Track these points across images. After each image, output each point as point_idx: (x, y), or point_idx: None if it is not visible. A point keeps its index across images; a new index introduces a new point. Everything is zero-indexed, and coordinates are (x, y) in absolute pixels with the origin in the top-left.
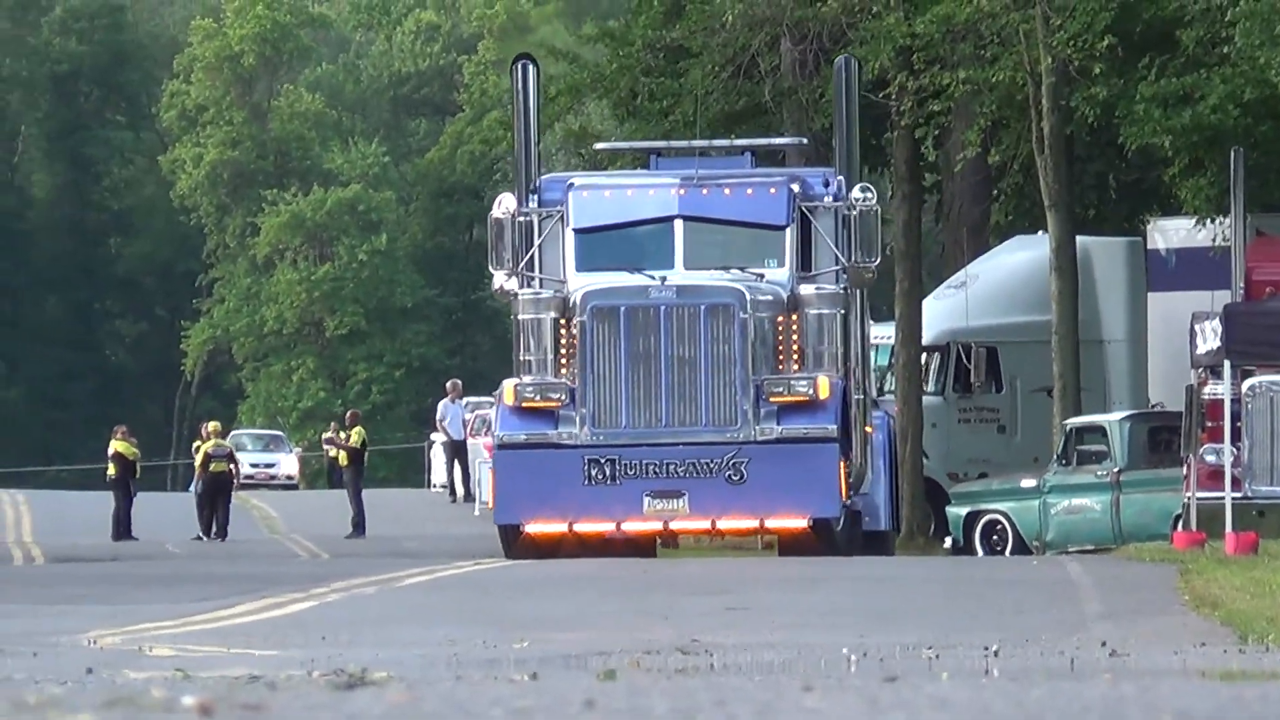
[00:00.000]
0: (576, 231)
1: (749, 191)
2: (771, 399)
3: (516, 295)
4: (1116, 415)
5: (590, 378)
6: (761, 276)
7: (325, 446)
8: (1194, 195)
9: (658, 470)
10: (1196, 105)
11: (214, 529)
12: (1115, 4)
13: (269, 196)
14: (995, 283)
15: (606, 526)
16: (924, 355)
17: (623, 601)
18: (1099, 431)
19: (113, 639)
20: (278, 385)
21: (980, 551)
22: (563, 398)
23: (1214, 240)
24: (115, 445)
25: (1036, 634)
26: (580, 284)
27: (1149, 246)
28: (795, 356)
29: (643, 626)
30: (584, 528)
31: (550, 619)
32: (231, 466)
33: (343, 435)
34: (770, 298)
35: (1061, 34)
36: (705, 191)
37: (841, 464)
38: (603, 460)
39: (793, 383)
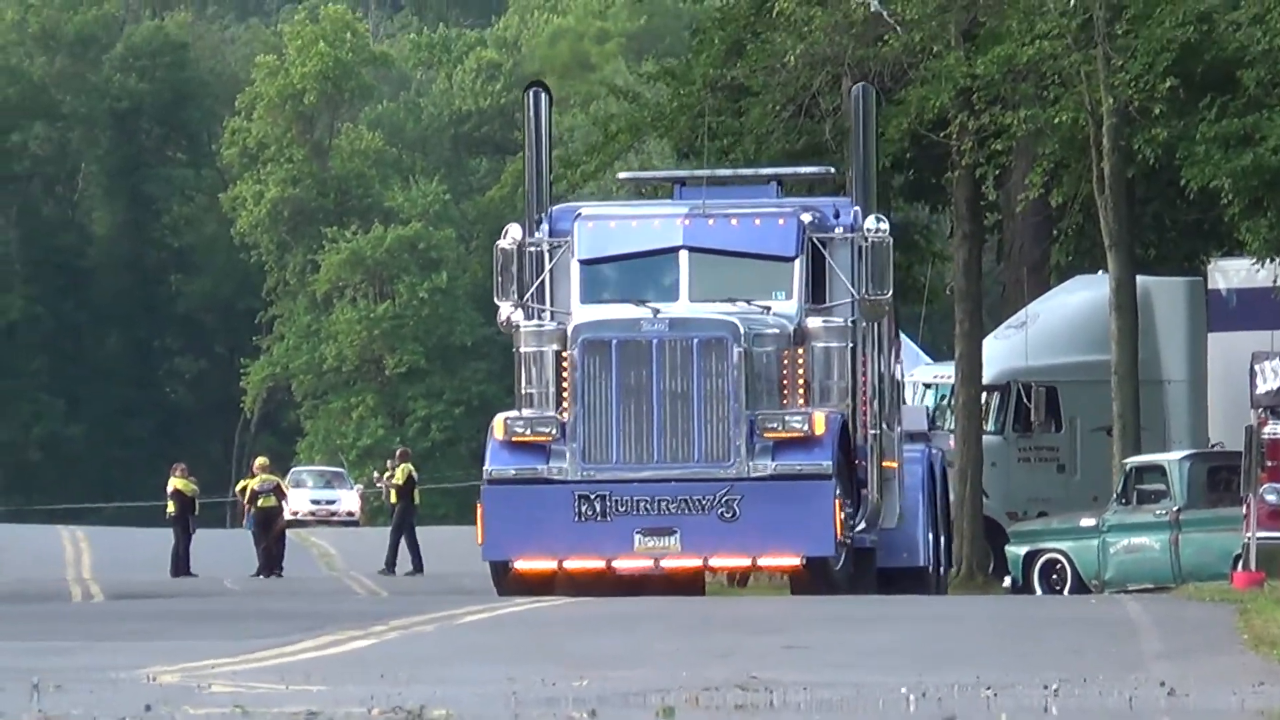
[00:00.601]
0: (581, 262)
1: (757, 222)
2: (766, 434)
3: (518, 327)
4: (1176, 455)
5: (581, 412)
6: (768, 309)
7: (378, 485)
8: (1254, 236)
9: (649, 507)
10: (1257, 146)
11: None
12: (1177, 45)
13: (329, 234)
14: (1055, 322)
15: (596, 564)
16: (984, 394)
17: (681, 639)
18: (1158, 471)
19: (171, 675)
20: (337, 423)
21: (1039, 590)
22: (553, 432)
23: (1275, 280)
24: (174, 482)
25: (1095, 673)
26: (582, 316)
27: (1209, 286)
28: (801, 390)
29: (701, 664)
30: (574, 565)
31: (609, 657)
32: (280, 501)
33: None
34: (776, 331)
35: (1123, 74)
36: (711, 222)
37: (837, 502)
38: (593, 496)
39: (787, 418)
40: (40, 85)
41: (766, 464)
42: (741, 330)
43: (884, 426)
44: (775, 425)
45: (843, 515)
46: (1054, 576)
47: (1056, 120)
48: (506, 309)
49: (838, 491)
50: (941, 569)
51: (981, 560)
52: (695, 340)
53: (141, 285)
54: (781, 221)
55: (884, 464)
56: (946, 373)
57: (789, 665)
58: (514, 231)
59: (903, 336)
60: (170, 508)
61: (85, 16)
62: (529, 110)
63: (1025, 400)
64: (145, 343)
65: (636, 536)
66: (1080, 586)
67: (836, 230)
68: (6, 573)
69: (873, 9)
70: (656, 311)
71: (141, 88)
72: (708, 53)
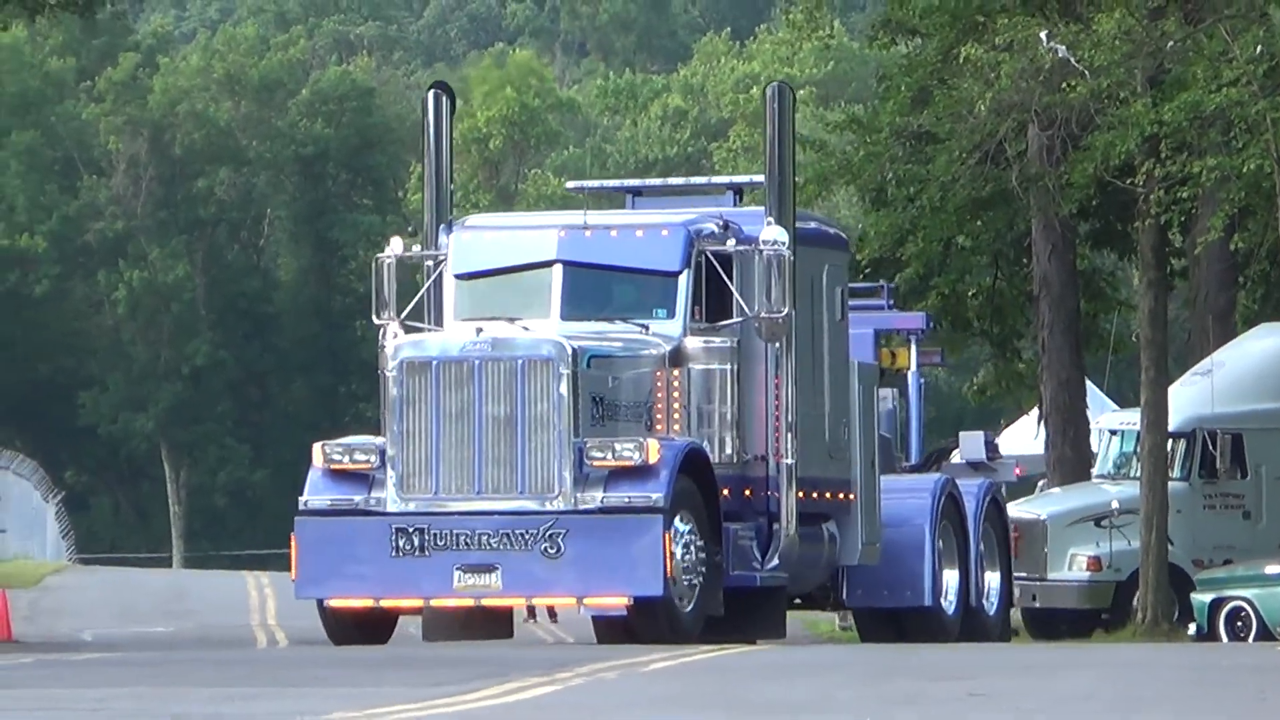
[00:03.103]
0: (456, 277)
1: (639, 234)
2: (596, 464)
3: (382, 348)
4: None
5: (400, 438)
6: (646, 328)
7: None
8: None
9: (469, 542)
10: None
11: None
12: None
13: None
14: (1242, 369)
15: (414, 603)
16: (1169, 441)
17: (865, 687)
18: None
19: None
20: None
21: (1224, 638)
22: (373, 460)
23: None
24: None
25: None
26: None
27: None
28: (676, 416)
29: (886, 711)
30: (391, 603)
31: (793, 703)
32: None
33: None
34: (651, 352)
35: None
36: (589, 234)
37: (667, 537)
38: (411, 530)
39: (617, 446)
40: (226, 130)
41: (595, 496)
42: (569, 350)
43: (798, 456)
44: (604, 454)
45: (676, 551)
46: (1239, 624)
47: (1243, 169)
48: (390, 328)
49: (677, 526)
50: (987, 609)
51: (1166, 608)
52: (520, 361)
53: (327, 331)
54: (665, 233)
55: (838, 496)
56: (1132, 419)
57: (973, 712)
58: (395, 244)
59: (1089, 383)
60: None
61: (270, 62)
62: (429, 113)
63: (1211, 447)
64: (330, 388)
65: (456, 573)
66: (1265, 634)
67: (729, 242)
68: (193, 619)
69: (1060, 55)
70: (479, 330)
71: (327, 133)
72: (894, 100)
